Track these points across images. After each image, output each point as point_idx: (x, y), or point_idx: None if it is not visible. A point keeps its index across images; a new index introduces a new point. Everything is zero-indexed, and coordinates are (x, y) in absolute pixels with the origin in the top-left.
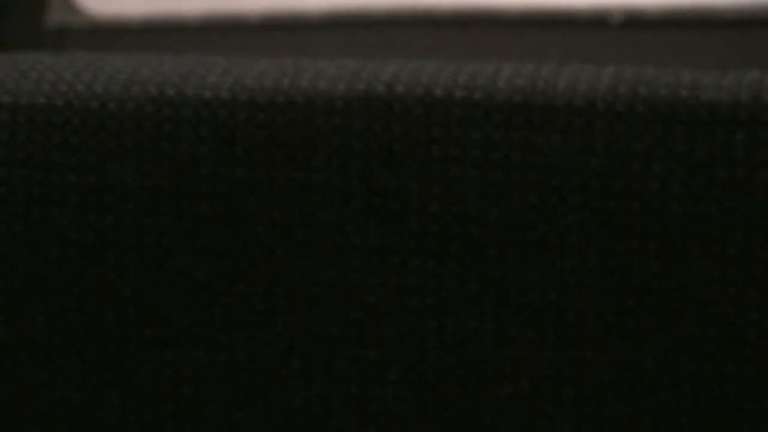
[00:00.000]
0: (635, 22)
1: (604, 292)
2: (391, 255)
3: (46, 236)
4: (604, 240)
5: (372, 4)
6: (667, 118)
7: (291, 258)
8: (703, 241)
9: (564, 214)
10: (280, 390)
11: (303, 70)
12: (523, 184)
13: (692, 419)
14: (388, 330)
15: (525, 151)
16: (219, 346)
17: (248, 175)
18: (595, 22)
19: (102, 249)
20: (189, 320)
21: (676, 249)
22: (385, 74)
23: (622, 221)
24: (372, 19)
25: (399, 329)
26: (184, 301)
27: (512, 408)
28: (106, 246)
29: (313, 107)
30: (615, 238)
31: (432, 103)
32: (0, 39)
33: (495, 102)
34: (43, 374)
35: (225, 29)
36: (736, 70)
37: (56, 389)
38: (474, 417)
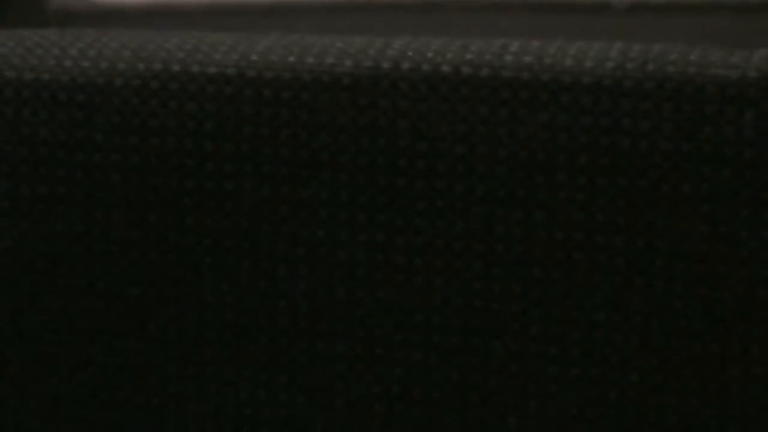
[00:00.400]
0: (639, 7)
1: (611, 268)
2: (397, 233)
3: (51, 211)
4: (613, 216)
5: None
6: (674, 96)
7: (295, 234)
8: (711, 219)
9: (571, 191)
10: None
11: (309, 47)
12: (531, 161)
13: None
14: (387, 297)
15: (532, 128)
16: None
17: (254, 151)
18: (599, 8)
19: (107, 223)
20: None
21: (683, 226)
22: (392, 51)
23: (630, 199)
24: (374, 5)
25: (401, 302)
26: (190, 272)
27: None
28: (112, 220)
29: (320, 84)
30: (623, 215)
31: (439, 79)
32: (1, 24)
33: (502, 79)
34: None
35: (227, 15)
36: (745, 49)
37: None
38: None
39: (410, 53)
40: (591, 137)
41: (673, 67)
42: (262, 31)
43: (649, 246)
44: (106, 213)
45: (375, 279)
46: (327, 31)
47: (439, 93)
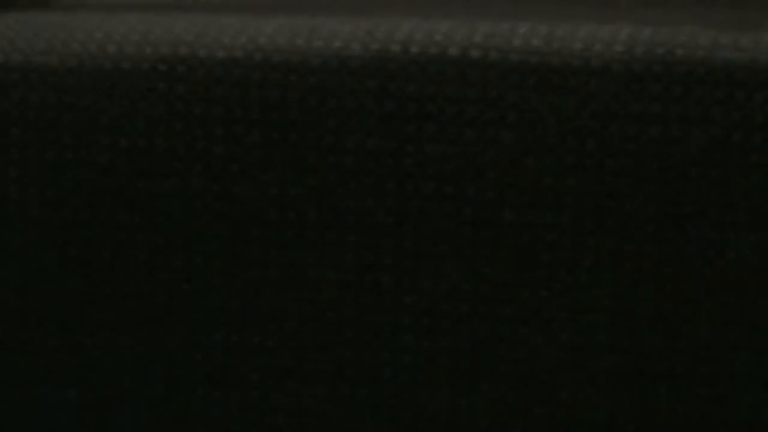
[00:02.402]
0: (644, 0)
1: (614, 257)
2: (406, 217)
3: (59, 197)
4: (620, 201)
5: None
6: (684, 79)
7: (304, 215)
8: (720, 203)
9: (580, 174)
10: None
11: (317, 30)
12: (539, 144)
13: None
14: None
15: (540, 112)
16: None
17: (262, 135)
18: (605, 0)
19: (114, 208)
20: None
21: (693, 209)
22: (400, 34)
23: (639, 183)
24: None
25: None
26: (199, 258)
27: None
28: (119, 204)
29: (328, 66)
30: (631, 199)
31: (447, 62)
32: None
33: (510, 62)
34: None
35: (228, 10)
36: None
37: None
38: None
39: (418, 36)
40: (600, 121)
41: (682, 51)
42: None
43: (656, 228)
44: (114, 196)
45: (384, 263)
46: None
47: (448, 76)
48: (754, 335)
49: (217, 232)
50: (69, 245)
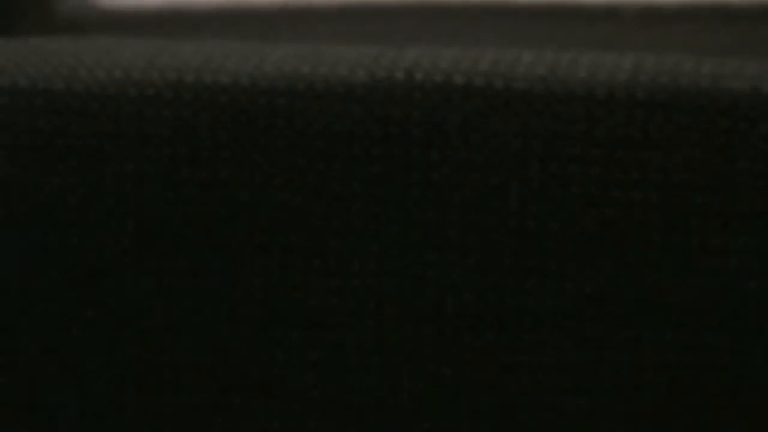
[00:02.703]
0: (649, 15)
1: (621, 287)
2: (410, 245)
3: (64, 222)
4: (622, 231)
5: None
6: (687, 108)
7: (309, 244)
8: (722, 232)
9: (583, 204)
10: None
11: (323, 57)
12: (543, 173)
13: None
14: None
15: (545, 140)
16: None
17: (268, 162)
18: (608, 16)
19: (120, 236)
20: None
21: (695, 239)
22: (405, 61)
23: (641, 212)
24: (384, 11)
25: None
26: (201, 288)
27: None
28: (124, 233)
29: (333, 94)
30: (633, 229)
31: (452, 90)
32: (12, 31)
33: (515, 90)
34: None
35: (238, 21)
36: (758, 61)
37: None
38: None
39: (424, 64)
40: (604, 149)
41: (686, 80)
42: (275, 36)
43: (659, 257)
44: (119, 223)
45: (386, 287)
46: (337, 36)
47: (453, 104)
48: None
49: (221, 257)
50: (73, 273)
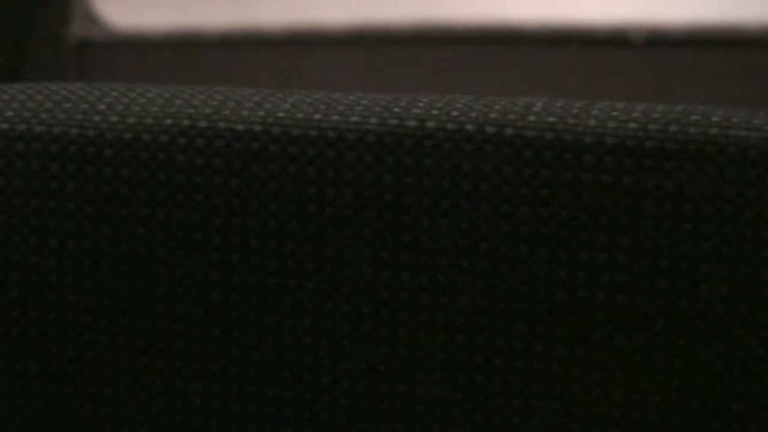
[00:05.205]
0: (657, 40)
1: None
2: (421, 292)
3: (79, 266)
4: (633, 276)
5: (392, 21)
6: (697, 157)
7: (321, 289)
8: (731, 280)
9: (593, 251)
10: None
11: (335, 104)
12: (553, 221)
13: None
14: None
15: (555, 188)
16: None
17: (280, 208)
18: (616, 40)
19: (134, 280)
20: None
21: (703, 288)
22: (417, 109)
23: (652, 259)
24: (392, 36)
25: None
26: (216, 325)
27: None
28: (138, 277)
29: (345, 141)
30: (644, 275)
31: (463, 138)
32: (23, 51)
33: (526, 138)
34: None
35: (246, 44)
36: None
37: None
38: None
39: (435, 111)
40: (613, 198)
41: (695, 129)
42: (283, 58)
43: (669, 303)
44: (130, 268)
45: (397, 331)
46: (345, 60)
47: (464, 152)
48: None
49: (235, 303)
50: (88, 306)
